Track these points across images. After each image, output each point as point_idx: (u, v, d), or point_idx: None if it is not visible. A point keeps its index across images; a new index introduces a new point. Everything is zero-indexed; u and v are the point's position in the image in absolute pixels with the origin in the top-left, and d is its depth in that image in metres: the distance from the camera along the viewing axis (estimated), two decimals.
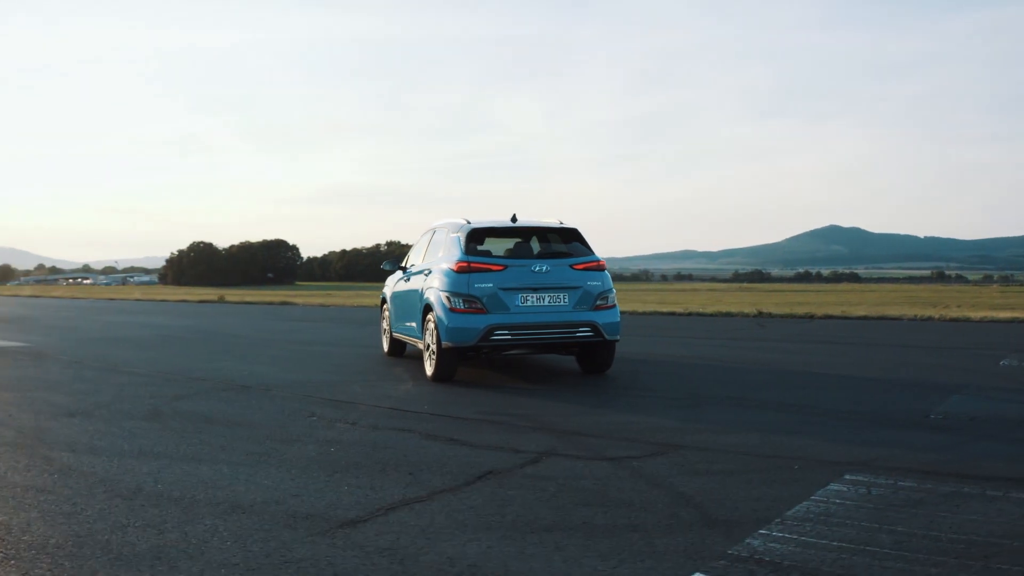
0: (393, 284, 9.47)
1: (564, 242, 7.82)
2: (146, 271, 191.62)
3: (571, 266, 7.33)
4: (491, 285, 6.99)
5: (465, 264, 7.06)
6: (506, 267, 7.11)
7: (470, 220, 7.73)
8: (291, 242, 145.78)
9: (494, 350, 7.24)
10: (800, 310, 18.48)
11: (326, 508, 3.28)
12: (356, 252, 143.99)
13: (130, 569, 2.61)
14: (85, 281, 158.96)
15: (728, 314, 18.18)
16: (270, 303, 29.93)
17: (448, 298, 7.00)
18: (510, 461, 4.12)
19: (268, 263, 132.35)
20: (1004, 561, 2.60)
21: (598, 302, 7.31)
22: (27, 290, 68.32)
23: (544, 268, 7.14)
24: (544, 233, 7.96)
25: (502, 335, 6.93)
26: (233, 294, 40.74)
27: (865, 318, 15.18)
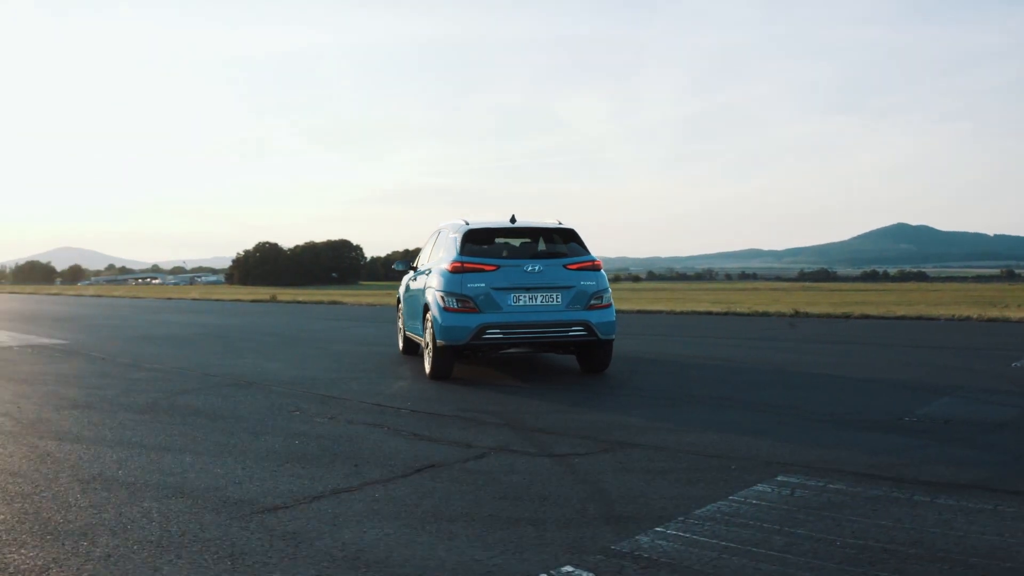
0: (405, 283, 9.73)
1: (562, 242, 7.90)
2: (213, 271, 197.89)
3: (564, 266, 7.40)
4: (483, 285, 7.12)
5: (459, 264, 7.23)
6: (498, 267, 7.23)
7: (468, 221, 7.89)
8: (355, 242, 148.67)
9: (488, 349, 7.38)
10: (850, 310, 17.96)
11: (258, 495, 3.48)
12: (419, 252, 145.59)
13: (55, 542, 2.86)
14: (154, 281, 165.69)
15: (764, 314, 17.86)
16: (320, 302, 30.77)
17: (442, 297, 7.17)
18: (457, 456, 4.25)
19: (332, 263, 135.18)
20: (888, 569, 2.56)
21: (592, 301, 7.36)
22: (91, 290, 71.70)
23: (536, 268, 7.24)
24: (541, 233, 8.06)
25: (494, 334, 7.06)
26: (286, 293, 42.01)
27: (902, 318, 14.70)
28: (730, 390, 6.60)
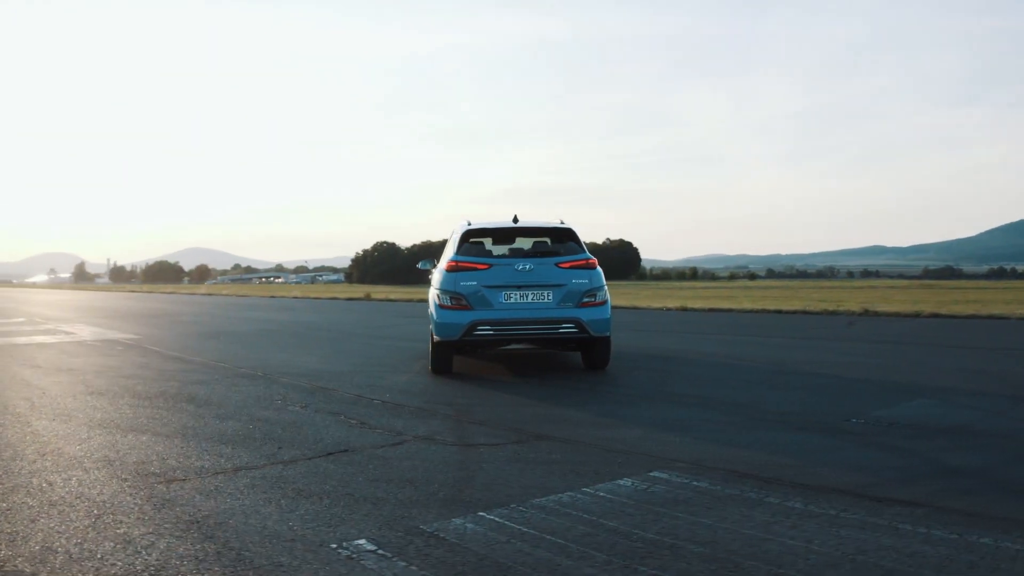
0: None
1: (559, 242, 8.07)
2: (335, 270, 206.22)
3: (557, 264, 7.57)
4: (475, 283, 7.41)
5: (454, 264, 7.55)
6: (491, 266, 7.50)
7: (471, 221, 8.21)
8: None
9: (484, 344, 7.67)
10: (956, 309, 16.85)
11: (172, 469, 3.94)
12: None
13: None
14: (277, 280, 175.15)
15: (834, 312, 17.13)
16: (409, 300, 31.87)
17: (438, 295, 7.53)
18: (378, 442, 4.57)
19: None
20: (652, 564, 2.62)
21: (584, 299, 7.48)
22: (203, 288, 76.46)
23: (528, 267, 7.45)
24: (539, 233, 8.26)
25: (485, 330, 7.33)
26: (380, 291, 43.71)
27: (972, 317, 13.74)
28: (706, 388, 6.56)
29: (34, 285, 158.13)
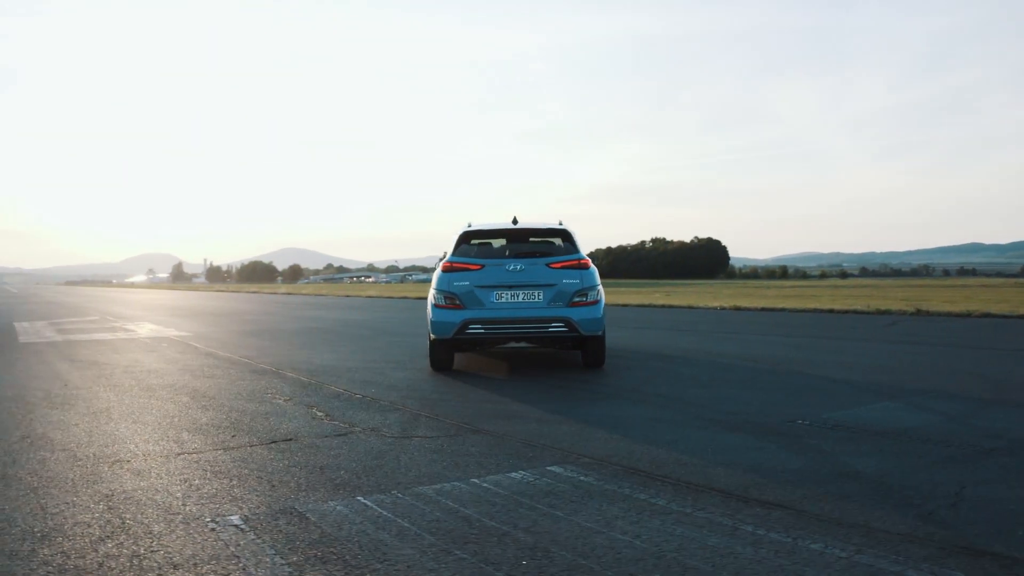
0: None
1: (555, 243, 8.24)
2: (424, 269, 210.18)
3: (548, 265, 7.75)
4: (468, 283, 7.69)
5: (449, 264, 7.86)
6: (483, 266, 7.76)
7: (471, 223, 8.50)
8: None
9: (479, 342, 7.95)
10: (1012, 309, 16.01)
11: (123, 451, 4.41)
12: (621, 249, 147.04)
13: None
14: (367, 279, 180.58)
15: (887, 311, 16.50)
16: None
17: (434, 295, 7.85)
18: (324, 432, 4.91)
19: None
20: (468, 551, 2.79)
21: (575, 299, 7.64)
22: (283, 288, 79.24)
23: (519, 267, 7.67)
24: (535, 235, 8.44)
25: (476, 329, 7.60)
26: None
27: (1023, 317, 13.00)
28: (680, 388, 6.59)
29: (132, 285, 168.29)
